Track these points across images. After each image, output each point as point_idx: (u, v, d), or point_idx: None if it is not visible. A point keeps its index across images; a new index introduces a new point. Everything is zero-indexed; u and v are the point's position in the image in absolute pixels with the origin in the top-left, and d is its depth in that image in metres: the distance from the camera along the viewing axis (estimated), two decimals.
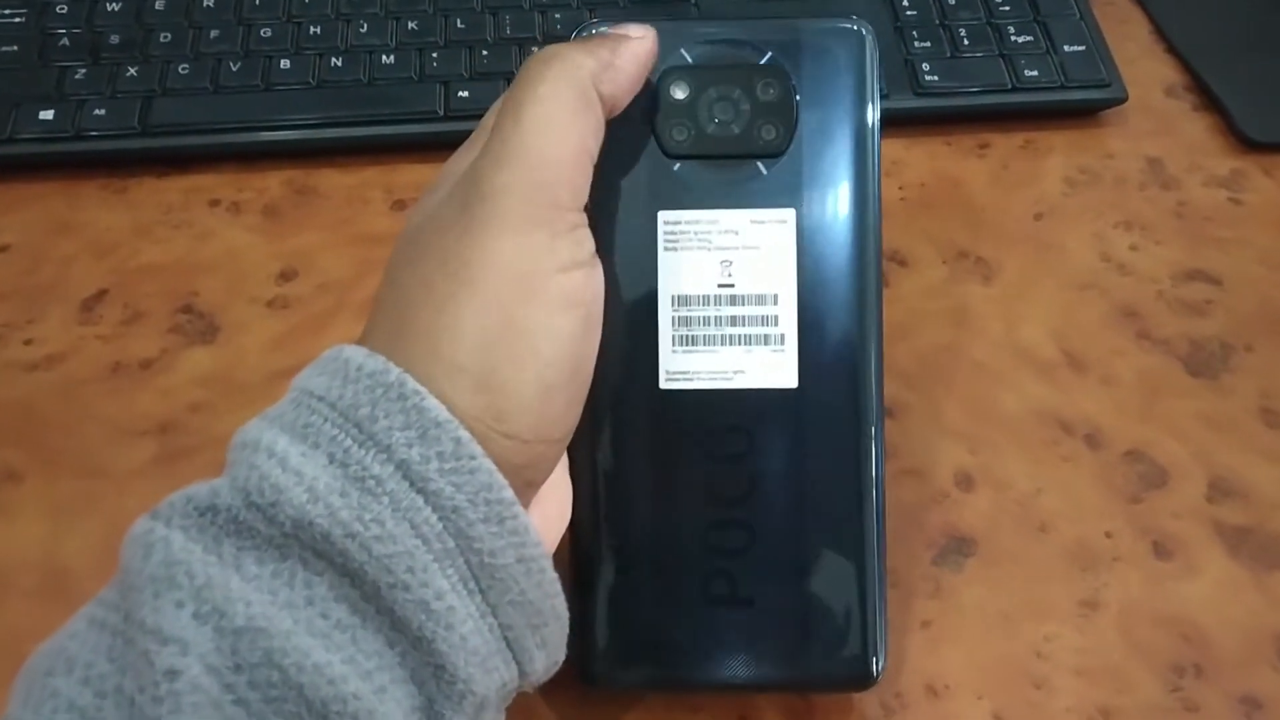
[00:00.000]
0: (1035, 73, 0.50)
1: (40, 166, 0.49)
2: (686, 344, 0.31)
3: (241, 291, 0.45)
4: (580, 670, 0.32)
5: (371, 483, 0.23)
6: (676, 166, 0.32)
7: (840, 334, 0.31)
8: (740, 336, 0.31)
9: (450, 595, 0.23)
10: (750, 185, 0.31)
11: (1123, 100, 0.50)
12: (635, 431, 0.32)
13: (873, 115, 0.32)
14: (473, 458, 0.24)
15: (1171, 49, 0.54)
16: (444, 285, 0.25)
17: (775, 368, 0.31)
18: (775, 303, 0.31)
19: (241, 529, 0.23)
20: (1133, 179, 0.49)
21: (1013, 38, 0.51)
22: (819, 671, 0.32)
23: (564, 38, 0.51)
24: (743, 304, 0.31)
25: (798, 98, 0.32)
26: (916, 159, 0.50)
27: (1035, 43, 0.51)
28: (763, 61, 0.32)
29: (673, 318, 0.31)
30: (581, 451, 0.31)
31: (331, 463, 0.23)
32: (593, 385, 0.29)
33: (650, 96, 0.31)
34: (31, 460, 0.40)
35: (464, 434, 0.24)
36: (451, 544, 0.24)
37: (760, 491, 0.31)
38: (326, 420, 0.24)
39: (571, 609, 0.27)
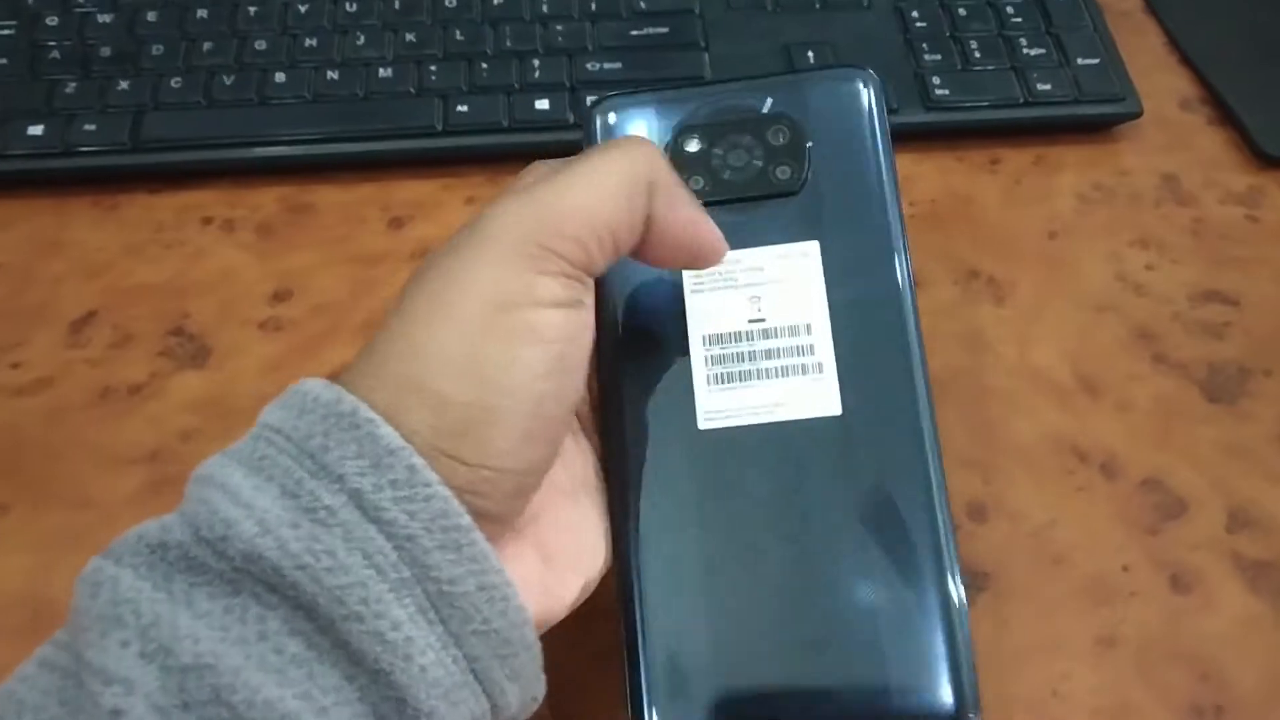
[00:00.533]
0: (1048, 86, 0.49)
1: (29, 183, 0.48)
2: (722, 381, 0.31)
3: (234, 313, 0.44)
4: None
5: (324, 513, 0.23)
6: None
7: (880, 356, 0.31)
8: (777, 369, 0.31)
9: (408, 625, 0.23)
10: (770, 223, 0.32)
11: (1137, 115, 0.49)
12: (678, 475, 0.30)
13: (884, 147, 0.32)
14: (427, 485, 0.23)
15: (1186, 61, 0.53)
16: (422, 305, 0.25)
17: (816, 396, 0.30)
18: (809, 332, 0.31)
19: (193, 565, 0.23)
20: (1148, 196, 0.48)
21: (1025, 50, 0.50)
22: (903, 716, 0.29)
23: (565, 50, 0.50)
24: (776, 336, 0.31)
25: (808, 141, 0.32)
26: (926, 175, 0.49)
27: (1048, 55, 0.50)
28: (770, 112, 0.33)
29: (706, 356, 0.31)
30: (622, 500, 0.30)
31: (284, 495, 0.23)
32: (628, 432, 0.30)
33: (664, 154, 0.32)
34: (18, 490, 0.39)
35: (418, 461, 0.23)
36: (408, 573, 0.23)
37: (817, 524, 0.30)
38: (282, 452, 0.24)
39: (624, 664, 0.27)
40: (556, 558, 0.28)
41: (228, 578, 0.23)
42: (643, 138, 0.29)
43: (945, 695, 0.28)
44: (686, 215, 0.29)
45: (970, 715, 0.28)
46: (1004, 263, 0.45)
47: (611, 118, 0.34)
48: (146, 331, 0.43)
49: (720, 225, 0.31)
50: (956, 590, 0.29)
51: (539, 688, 0.27)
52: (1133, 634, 0.35)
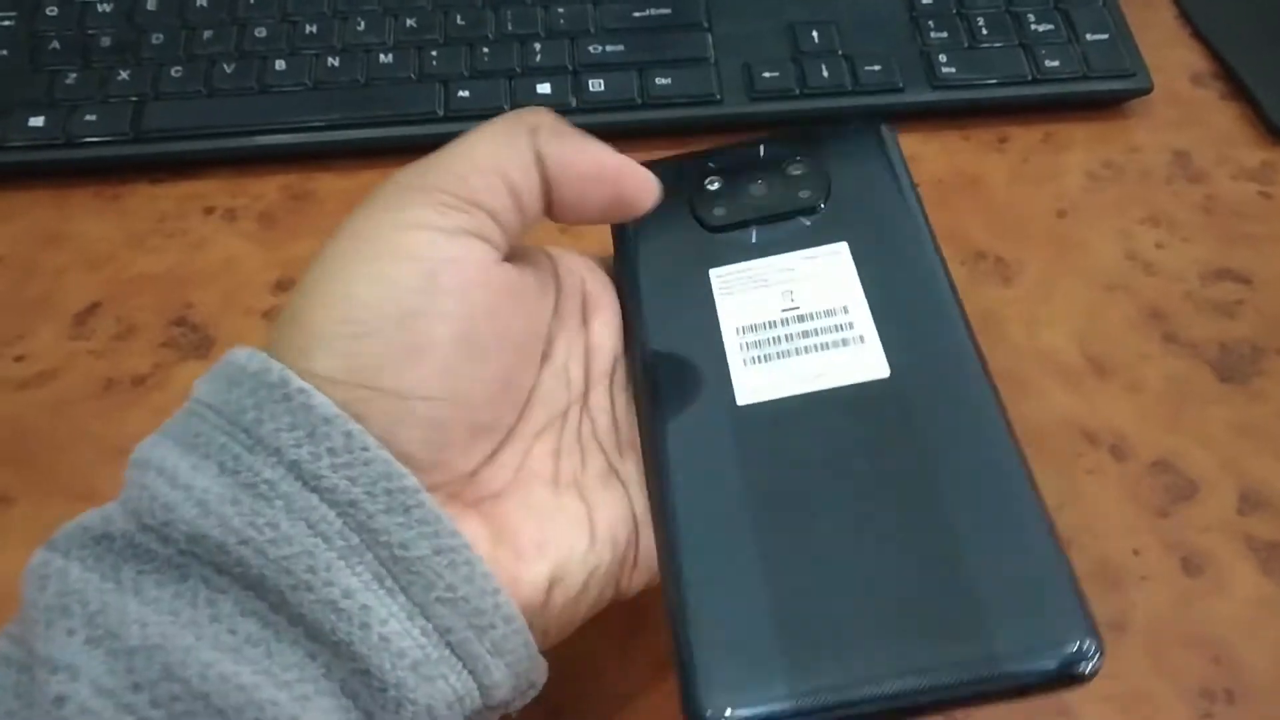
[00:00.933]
0: (1056, 63, 0.48)
1: (31, 175, 0.48)
2: (759, 362, 0.30)
3: (237, 302, 0.44)
4: (689, 709, 0.24)
5: (264, 487, 0.23)
6: (721, 236, 0.33)
7: (923, 322, 0.30)
8: (816, 345, 0.30)
9: (362, 593, 0.23)
10: (796, 234, 0.33)
11: (1147, 90, 0.48)
12: (718, 451, 0.28)
13: (905, 182, 0.34)
14: (365, 449, 0.23)
15: (1198, 35, 0.52)
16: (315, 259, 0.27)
17: (861, 363, 0.29)
18: (846, 312, 0.30)
19: (139, 553, 0.23)
20: (1158, 172, 0.47)
21: (1033, 26, 0.49)
22: (1013, 664, 0.23)
23: (566, 33, 0.50)
24: (812, 319, 0.30)
25: (828, 169, 0.34)
26: (933, 154, 0.48)
27: (1056, 31, 0.49)
28: (788, 149, 0.35)
29: (740, 344, 0.30)
30: (661, 485, 0.28)
31: (222, 472, 0.23)
32: (663, 423, 0.29)
33: (687, 197, 0.34)
34: (22, 482, 0.39)
35: (354, 427, 0.23)
36: (356, 540, 0.23)
37: (878, 480, 0.27)
38: (215, 428, 0.24)
39: (673, 653, 0.25)
40: (515, 538, 0.27)
41: (175, 563, 0.23)
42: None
43: (1060, 644, 0.23)
44: (582, 146, 0.29)
45: (1091, 656, 0.23)
46: (1012, 242, 0.45)
47: None
48: (149, 322, 0.43)
49: (746, 241, 0.33)
50: (1045, 511, 0.25)
51: (536, 672, 0.26)
52: (1143, 618, 0.35)
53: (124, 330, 0.43)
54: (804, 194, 0.33)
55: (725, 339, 0.31)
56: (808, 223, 0.33)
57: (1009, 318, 0.42)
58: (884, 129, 0.35)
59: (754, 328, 0.31)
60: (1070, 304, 0.43)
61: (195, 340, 0.43)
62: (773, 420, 0.29)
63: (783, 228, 0.33)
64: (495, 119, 0.29)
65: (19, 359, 0.42)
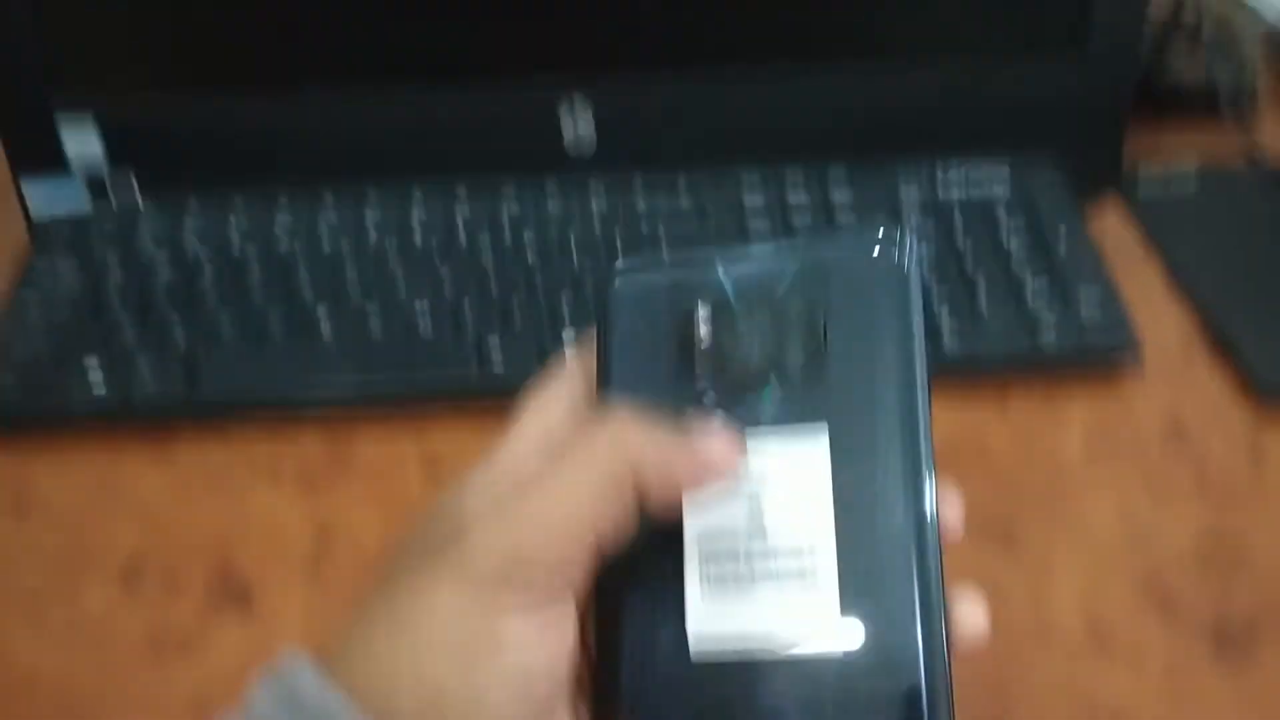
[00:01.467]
0: (1052, 330, 0.51)
1: (86, 427, 0.51)
2: (717, 588, 0.29)
3: (278, 558, 0.46)
4: None
5: None
6: (701, 396, 0.31)
7: (890, 570, 0.28)
8: (775, 579, 0.28)
9: None
10: (777, 405, 0.30)
11: (1140, 355, 0.51)
12: (661, 693, 0.29)
13: (911, 319, 0.30)
14: None
15: (1188, 298, 0.55)
16: (383, 615, 0.26)
17: (815, 616, 0.28)
18: (811, 551, 0.28)
19: None
20: (1152, 437, 0.49)
21: (1030, 296, 0.52)
22: None
23: (593, 286, 0.53)
24: (775, 544, 0.29)
25: (826, 318, 0.31)
26: (935, 420, 0.50)
27: (1051, 301, 0.52)
28: (788, 285, 0.31)
29: (700, 556, 0.29)
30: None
31: None
32: (612, 648, 0.29)
33: (672, 333, 0.31)
34: None
35: None
36: None
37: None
38: None
39: None
40: None
41: None
42: (628, 414, 0.28)
43: None
44: (681, 463, 0.28)
45: None
46: (1012, 509, 0.47)
47: (624, 294, 0.33)
48: (194, 577, 0.45)
49: (725, 406, 0.30)
50: None
51: None
52: None
53: (169, 584, 0.45)
54: (795, 354, 0.30)
55: (687, 547, 0.29)
56: (791, 388, 0.30)
57: (1010, 585, 0.44)
58: (902, 241, 0.31)
59: (716, 536, 0.29)
60: (1070, 572, 0.44)
61: (237, 595, 0.45)
62: (721, 682, 0.28)
63: (764, 392, 0.30)
64: (590, 452, 0.27)
65: (67, 612, 0.44)
